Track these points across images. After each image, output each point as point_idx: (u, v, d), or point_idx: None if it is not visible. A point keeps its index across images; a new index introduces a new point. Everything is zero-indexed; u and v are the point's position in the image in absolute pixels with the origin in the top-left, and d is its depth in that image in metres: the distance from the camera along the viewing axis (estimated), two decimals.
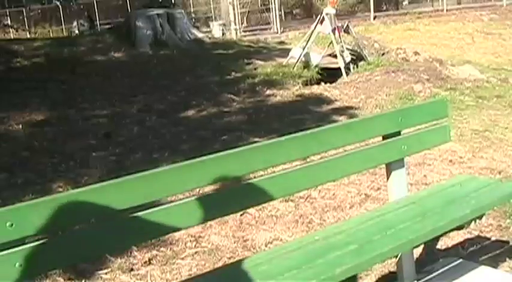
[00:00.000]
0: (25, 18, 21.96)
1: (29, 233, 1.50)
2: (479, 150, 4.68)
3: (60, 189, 4.03)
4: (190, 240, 3.16)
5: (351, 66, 8.79)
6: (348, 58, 8.77)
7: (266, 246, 3.07)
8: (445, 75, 7.89)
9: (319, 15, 9.43)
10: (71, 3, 21.79)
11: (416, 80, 7.45)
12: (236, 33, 14.65)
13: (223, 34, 14.14)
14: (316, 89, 7.62)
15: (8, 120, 5.98)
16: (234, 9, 15.06)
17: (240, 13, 15.63)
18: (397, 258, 2.43)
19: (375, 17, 16.03)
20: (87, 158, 4.82)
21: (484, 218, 3.17)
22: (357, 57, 9.10)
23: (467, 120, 5.77)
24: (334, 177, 2.49)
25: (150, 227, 1.74)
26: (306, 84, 7.94)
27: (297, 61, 8.77)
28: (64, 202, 1.57)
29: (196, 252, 3.05)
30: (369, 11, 16.67)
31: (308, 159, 2.38)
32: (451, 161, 4.43)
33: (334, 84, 8.00)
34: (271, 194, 2.04)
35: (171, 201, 2.00)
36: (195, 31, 11.87)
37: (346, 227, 2.25)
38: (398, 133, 2.47)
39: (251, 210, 3.44)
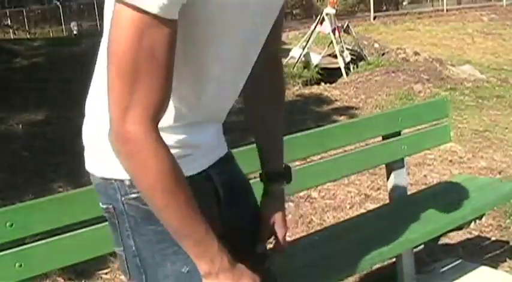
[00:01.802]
0: (25, 19, 21.97)
1: (29, 233, 1.50)
2: (479, 151, 4.68)
3: (60, 189, 4.03)
4: None
5: (351, 66, 8.79)
6: (348, 58, 8.77)
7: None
8: (445, 75, 7.89)
9: (319, 15, 9.44)
10: (71, 3, 21.81)
11: (416, 80, 7.45)
12: None
13: None
14: (316, 89, 7.62)
15: (8, 120, 5.98)
16: None
17: None
18: (397, 258, 2.43)
19: (375, 17, 16.03)
20: None
21: (484, 218, 3.17)
22: (357, 57, 9.10)
23: (467, 120, 5.77)
24: (334, 177, 2.50)
25: None
26: (306, 84, 7.94)
27: (297, 61, 8.77)
28: (64, 202, 1.57)
29: None
30: (369, 11, 16.67)
31: (308, 159, 2.38)
32: (451, 161, 4.43)
33: (334, 84, 8.01)
34: None
35: None
36: None
37: (346, 227, 2.25)
38: (398, 133, 2.47)
39: None
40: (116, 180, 1.06)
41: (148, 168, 0.93)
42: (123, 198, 1.07)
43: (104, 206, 1.11)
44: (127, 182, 1.05)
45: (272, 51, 1.28)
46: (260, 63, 1.21)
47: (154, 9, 0.87)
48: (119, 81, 0.90)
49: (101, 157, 1.08)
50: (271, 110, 1.34)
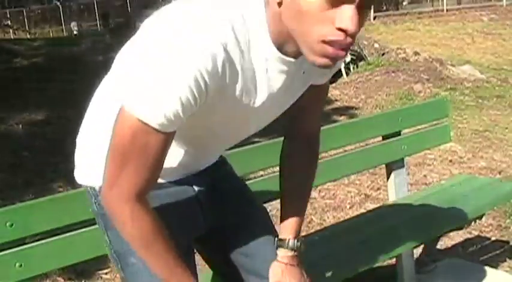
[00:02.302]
0: (25, 19, 21.97)
1: (29, 233, 1.50)
2: (479, 150, 4.68)
3: (60, 189, 4.03)
4: None
5: (351, 66, 8.79)
6: (348, 58, 8.76)
7: None
8: (445, 75, 7.89)
9: None
10: (71, 3, 21.79)
11: (416, 80, 7.45)
12: None
13: None
14: None
15: (8, 120, 5.99)
16: None
17: None
18: (397, 258, 2.43)
19: (375, 17, 16.03)
20: None
21: (484, 218, 3.17)
22: (357, 57, 9.10)
23: (467, 120, 5.77)
24: (334, 177, 2.49)
25: None
26: None
27: None
28: (64, 202, 1.57)
29: (196, 253, 3.05)
30: (369, 11, 16.65)
31: None
32: (451, 161, 4.43)
33: (334, 84, 8.00)
34: (271, 194, 2.04)
35: None
36: None
37: (346, 227, 2.25)
38: (398, 133, 2.47)
39: None
40: (89, 187, 1.23)
41: (125, 231, 1.08)
42: (95, 201, 1.23)
43: (90, 210, 1.28)
44: (97, 188, 1.19)
45: (306, 133, 1.39)
46: (295, 143, 1.38)
47: (154, 125, 0.96)
48: (112, 159, 1.02)
49: (79, 168, 1.26)
50: (295, 195, 1.40)
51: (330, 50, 0.94)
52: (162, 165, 1.04)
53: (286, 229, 1.37)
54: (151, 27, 0.95)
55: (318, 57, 0.96)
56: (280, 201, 1.41)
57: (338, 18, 0.91)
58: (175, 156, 1.17)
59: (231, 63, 0.97)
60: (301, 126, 1.37)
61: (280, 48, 1.01)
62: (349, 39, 0.93)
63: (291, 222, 1.37)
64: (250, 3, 0.99)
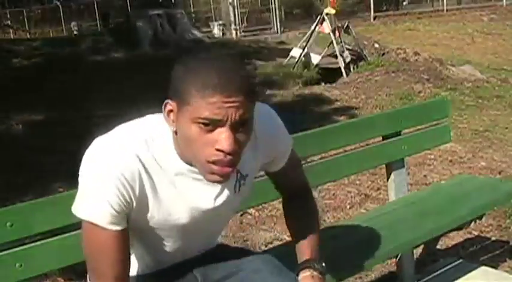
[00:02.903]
0: (25, 19, 21.96)
1: (29, 233, 1.50)
2: (479, 150, 4.68)
3: (61, 189, 4.02)
4: None
5: (351, 66, 8.79)
6: (348, 58, 8.77)
7: (266, 246, 3.07)
8: (445, 75, 7.89)
9: (319, 15, 9.44)
10: (71, 3, 21.79)
11: (416, 80, 7.45)
12: (236, 33, 14.64)
13: (223, 34, 14.16)
14: (316, 89, 7.62)
15: (8, 120, 5.99)
16: (234, 9, 15.05)
17: (240, 13, 15.62)
18: (397, 258, 2.43)
19: (375, 17, 16.04)
20: None
21: (484, 218, 3.17)
22: (357, 57, 9.10)
23: (467, 120, 5.77)
24: (334, 177, 2.49)
25: None
26: (306, 84, 7.94)
27: (297, 61, 8.78)
28: (64, 202, 1.57)
29: None
30: (369, 11, 16.67)
31: (308, 159, 2.37)
32: (451, 161, 4.43)
33: (334, 84, 8.01)
34: (271, 194, 2.03)
35: None
36: (195, 31, 11.88)
37: (346, 227, 2.25)
38: (398, 133, 2.47)
39: (251, 210, 3.44)
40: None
41: None
42: None
43: None
44: None
45: (294, 188, 1.52)
46: (288, 197, 1.54)
47: (101, 224, 1.14)
48: (86, 259, 1.21)
49: None
50: (300, 233, 1.49)
51: (215, 168, 1.12)
52: (128, 260, 1.20)
53: (302, 253, 1.44)
54: (88, 154, 1.19)
55: (208, 174, 1.14)
56: (291, 236, 1.52)
57: (216, 140, 1.09)
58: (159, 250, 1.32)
59: (147, 172, 1.16)
60: (286, 185, 1.52)
61: (189, 163, 1.18)
62: (229, 157, 1.10)
63: (305, 247, 1.44)
64: (158, 127, 1.20)
